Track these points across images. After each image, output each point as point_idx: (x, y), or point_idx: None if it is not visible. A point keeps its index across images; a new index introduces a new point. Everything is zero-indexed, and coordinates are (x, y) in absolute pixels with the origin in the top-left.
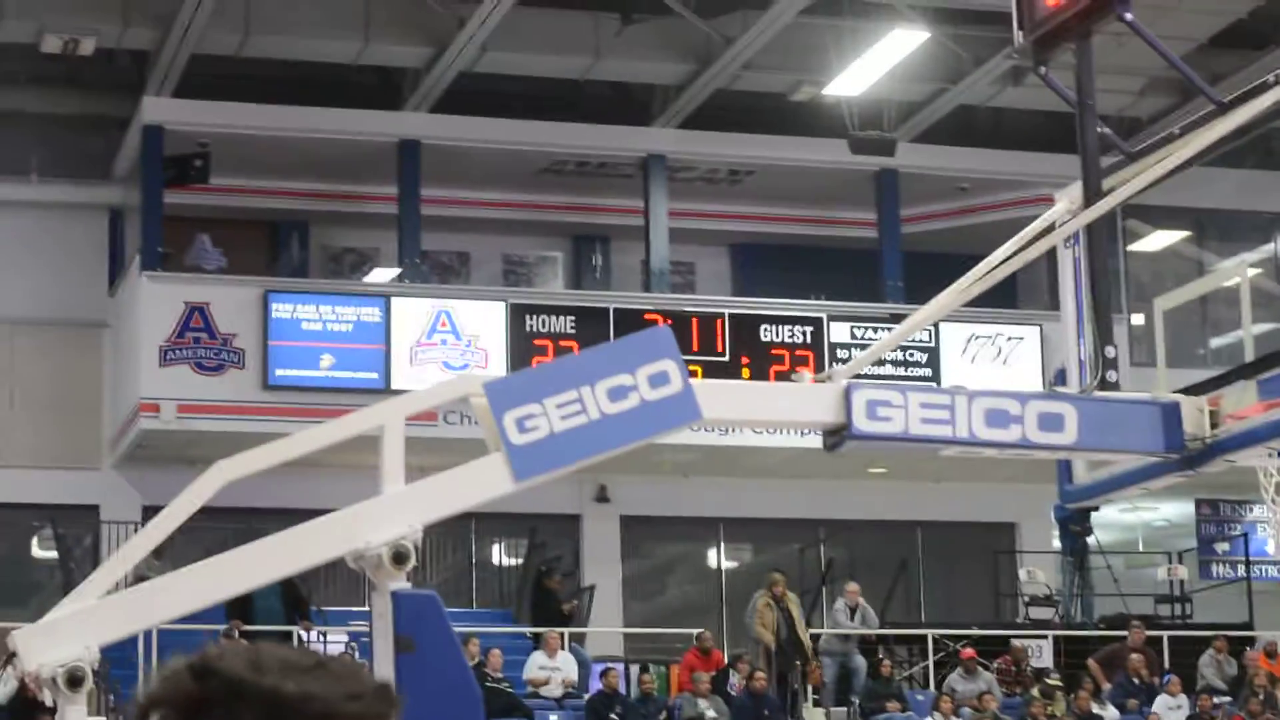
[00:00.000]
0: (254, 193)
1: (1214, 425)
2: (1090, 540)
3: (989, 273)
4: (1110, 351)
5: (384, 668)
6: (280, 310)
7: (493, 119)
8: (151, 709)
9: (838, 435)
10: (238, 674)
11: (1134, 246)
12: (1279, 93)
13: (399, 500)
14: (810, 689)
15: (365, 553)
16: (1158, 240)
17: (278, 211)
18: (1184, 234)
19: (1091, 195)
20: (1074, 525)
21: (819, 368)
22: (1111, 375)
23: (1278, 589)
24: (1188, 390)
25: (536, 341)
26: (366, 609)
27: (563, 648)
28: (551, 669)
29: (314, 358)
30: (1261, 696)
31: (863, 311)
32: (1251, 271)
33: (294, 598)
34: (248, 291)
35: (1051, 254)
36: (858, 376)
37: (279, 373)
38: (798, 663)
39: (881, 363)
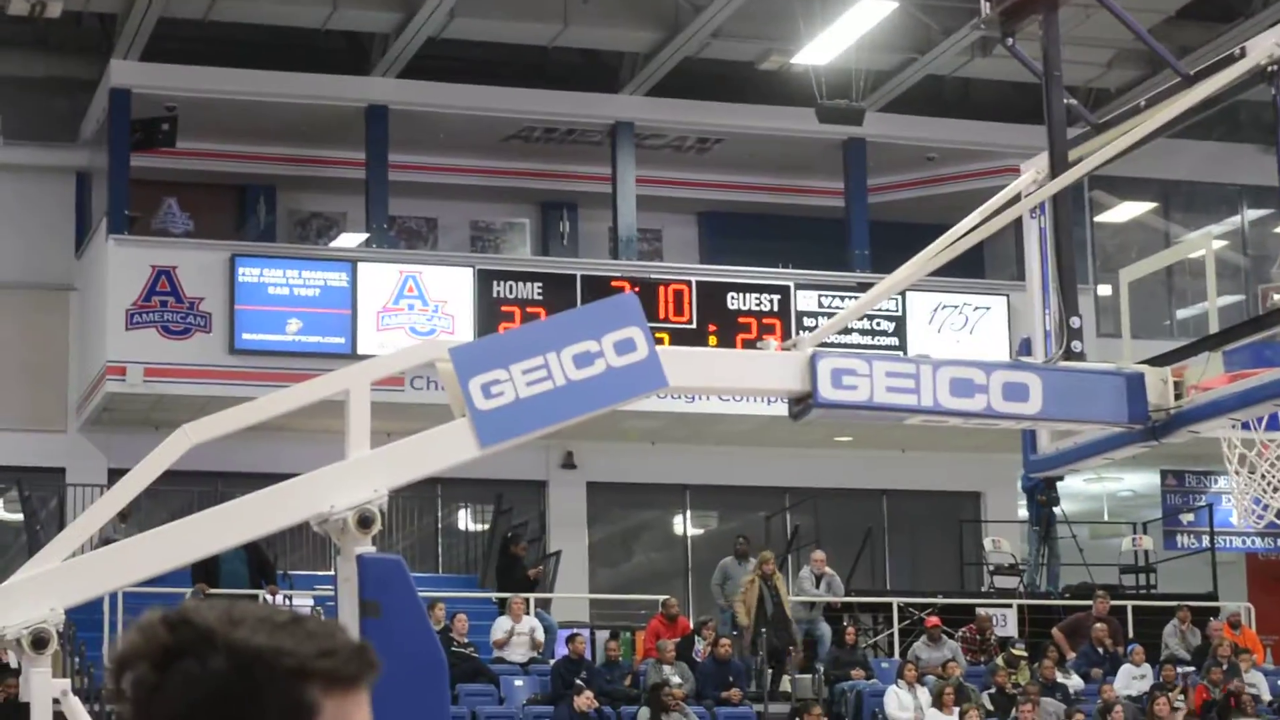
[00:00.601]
0: (221, 157)
1: (1178, 396)
2: (1056, 510)
3: (954, 242)
4: (1075, 322)
5: (350, 632)
6: (247, 274)
7: (461, 85)
8: (126, 664)
9: (803, 403)
10: (210, 625)
11: (1100, 217)
12: (1245, 65)
13: (364, 465)
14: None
15: (330, 517)
16: (1124, 211)
17: (245, 176)
18: (1150, 205)
19: (1057, 166)
20: (1040, 495)
21: (786, 336)
22: (1076, 346)
23: (1242, 560)
24: (1153, 361)
25: (504, 308)
26: (332, 573)
27: (528, 613)
28: (517, 633)
29: (281, 322)
30: (1225, 666)
31: (830, 280)
32: (1217, 243)
33: (260, 561)
34: (214, 255)
35: (1018, 224)
36: (824, 345)
37: (245, 337)
38: (790, 648)
39: (849, 331)
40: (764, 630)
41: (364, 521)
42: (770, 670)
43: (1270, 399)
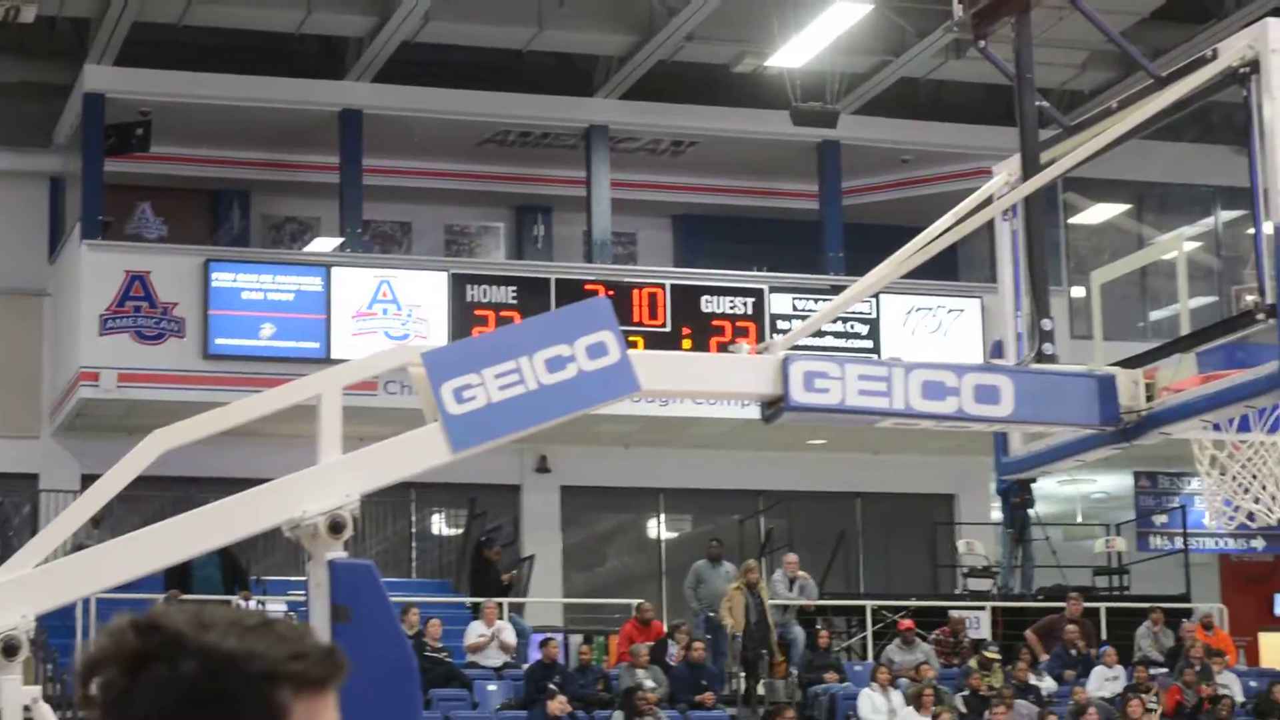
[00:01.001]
0: (195, 161)
1: (1150, 398)
2: (1030, 512)
3: (926, 245)
4: (1047, 324)
5: (321, 637)
6: (221, 279)
7: (435, 89)
8: (95, 668)
9: (775, 407)
10: (181, 629)
11: (1073, 219)
12: (1217, 66)
13: (336, 470)
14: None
15: (301, 522)
16: (1097, 213)
17: (219, 180)
18: (1124, 207)
19: (1029, 168)
20: (1015, 497)
21: (760, 339)
22: (1048, 348)
23: (1214, 561)
24: (1125, 363)
25: (478, 312)
26: (304, 579)
27: (501, 617)
28: (490, 637)
29: (254, 327)
30: (1198, 668)
31: (804, 283)
32: (1190, 245)
33: (233, 567)
34: (188, 260)
35: (991, 227)
36: (797, 348)
37: (219, 342)
38: (764, 652)
39: (822, 334)
40: (736, 637)
41: (335, 526)
42: (744, 675)
43: (1241, 400)
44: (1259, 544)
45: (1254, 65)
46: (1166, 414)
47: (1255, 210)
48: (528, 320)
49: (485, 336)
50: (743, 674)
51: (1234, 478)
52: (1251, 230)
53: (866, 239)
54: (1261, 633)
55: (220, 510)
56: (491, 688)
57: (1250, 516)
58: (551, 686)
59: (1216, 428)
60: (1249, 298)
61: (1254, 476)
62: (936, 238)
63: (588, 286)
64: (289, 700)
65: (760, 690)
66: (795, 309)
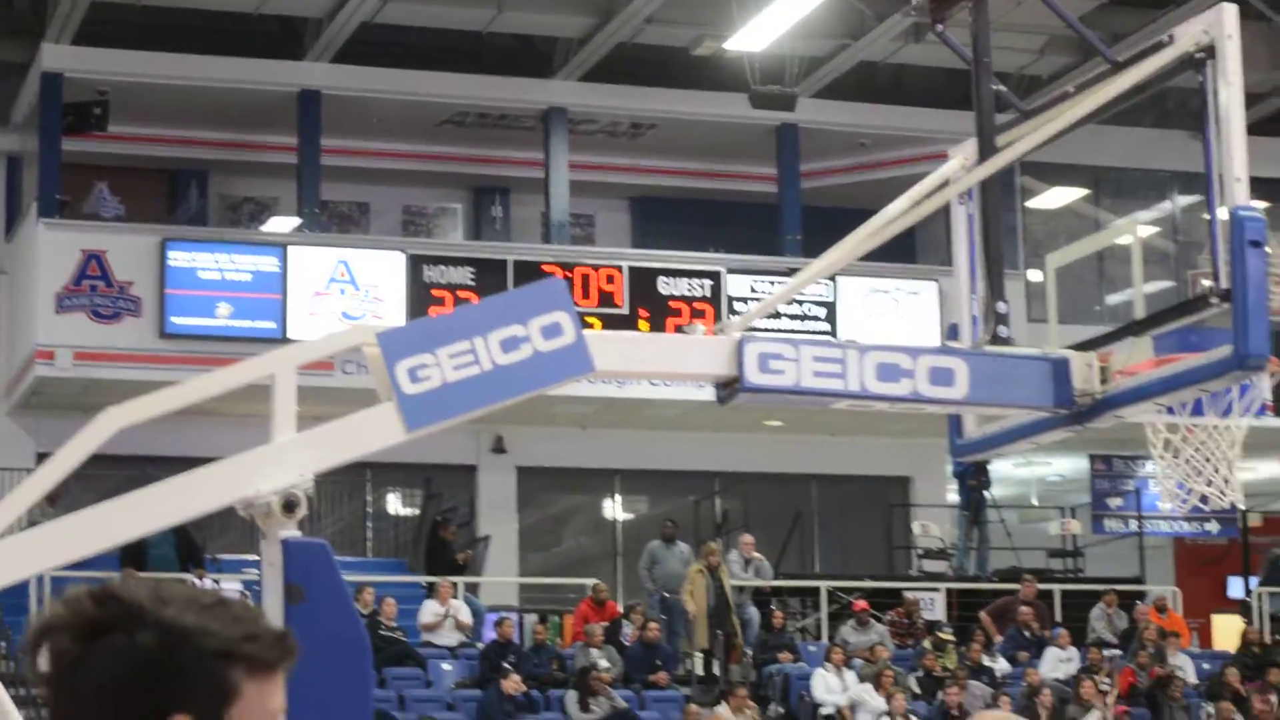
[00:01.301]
0: (153, 141)
1: (1104, 381)
2: (986, 494)
3: (882, 228)
4: (1002, 307)
5: (274, 616)
6: (178, 259)
7: (394, 70)
8: (47, 633)
9: (730, 388)
10: (139, 601)
11: (1030, 203)
12: (1173, 52)
13: (290, 448)
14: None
15: (255, 501)
16: (1054, 197)
17: (177, 160)
18: (1081, 191)
19: (986, 152)
20: (970, 479)
21: (718, 321)
22: (1003, 331)
23: (1169, 544)
24: (1080, 346)
25: (435, 292)
26: (258, 558)
27: (456, 597)
28: (445, 616)
29: (211, 306)
30: (1151, 650)
31: (761, 265)
32: (1146, 229)
33: (188, 545)
34: (145, 240)
35: (947, 210)
36: (753, 329)
37: (176, 321)
38: (723, 634)
39: (779, 316)
40: (695, 619)
41: (289, 505)
42: (705, 657)
43: (1195, 384)
44: (1213, 527)
45: (1210, 50)
46: (1120, 397)
47: (1210, 195)
48: (483, 301)
49: (441, 317)
50: (702, 656)
51: (1187, 461)
52: (1207, 215)
53: (824, 222)
54: (1214, 615)
55: (174, 488)
56: (446, 667)
57: (1203, 500)
58: (506, 666)
59: (1171, 411)
60: (1204, 282)
61: (1207, 460)
62: (892, 221)
63: (545, 268)
64: (240, 680)
65: (715, 671)
66: (752, 291)
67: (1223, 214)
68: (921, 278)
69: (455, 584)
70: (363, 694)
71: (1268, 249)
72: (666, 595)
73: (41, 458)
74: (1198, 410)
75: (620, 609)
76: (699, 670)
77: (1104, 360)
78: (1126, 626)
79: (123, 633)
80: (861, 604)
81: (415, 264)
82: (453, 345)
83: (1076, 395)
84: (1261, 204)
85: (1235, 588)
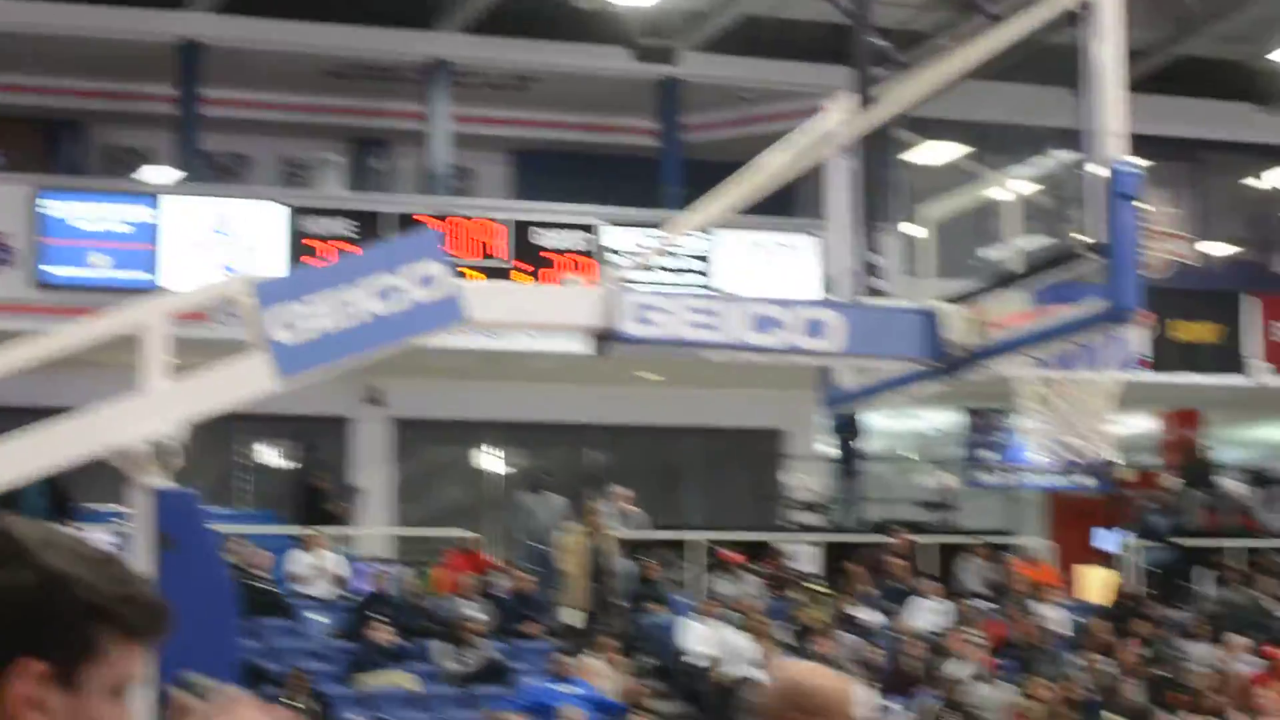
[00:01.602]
0: (31, 90)
1: (978, 334)
2: (859, 446)
3: (758, 181)
4: (878, 260)
5: (144, 565)
6: (53, 209)
7: (276, 20)
8: None
9: (606, 339)
10: (26, 540)
11: (909, 158)
12: (1053, 7)
13: (161, 398)
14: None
15: (126, 450)
16: (934, 152)
17: (55, 110)
18: (960, 146)
19: (864, 105)
20: (844, 432)
21: (597, 274)
22: (878, 283)
23: (1041, 497)
24: (955, 300)
25: (314, 244)
26: (128, 508)
27: (329, 548)
28: (316, 567)
29: (87, 257)
30: (1021, 602)
31: (641, 219)
32: (1024, 185)
33: (58, 494)
34: (19, 189)
35: (826, 163)
36: (631, 282)
37: (51, 271)
38: (600, 586)
39: (658, 268)
40: (571, 573)
41: (160, 455)
42: (583, 610)
43: (1067, 336)
44: (1084, 481)
45: (1087, 6)
46: (994, 349)
47: (1085, 151)
48: (359, 253)
49: (316, 268)
50: (575, 608)
51: (1059, 414)
52: (1084, 171)
53: (706, 176)
54: (1081, 565)
55: (46, 437)
56: (317, 617)
57: (1075, 453)
58: (378, 616)
59: (1044, 365)
60: (1078, 237)
61: (1078, 413)
62: (769, 175)
63: (424, 220)
64: (106, 639)
65: (588, 624)
66: (632, 245)
67: (1096, 170)
68: (799, 231)
69: (328, 535)
70: (230, 641)
71: (1143, 205)
72: (539, 546)
73: None
74: (1070, 364)
75: (492, 560)
76: (572, 622)
77: (979, 313)
78: (997, 579)
79: (5, 569)
80: (734, 556)
81: (295, 216)
82: (326, 295)
83: (950, 348)
84: (1145, 162)
85: (1104, 540)
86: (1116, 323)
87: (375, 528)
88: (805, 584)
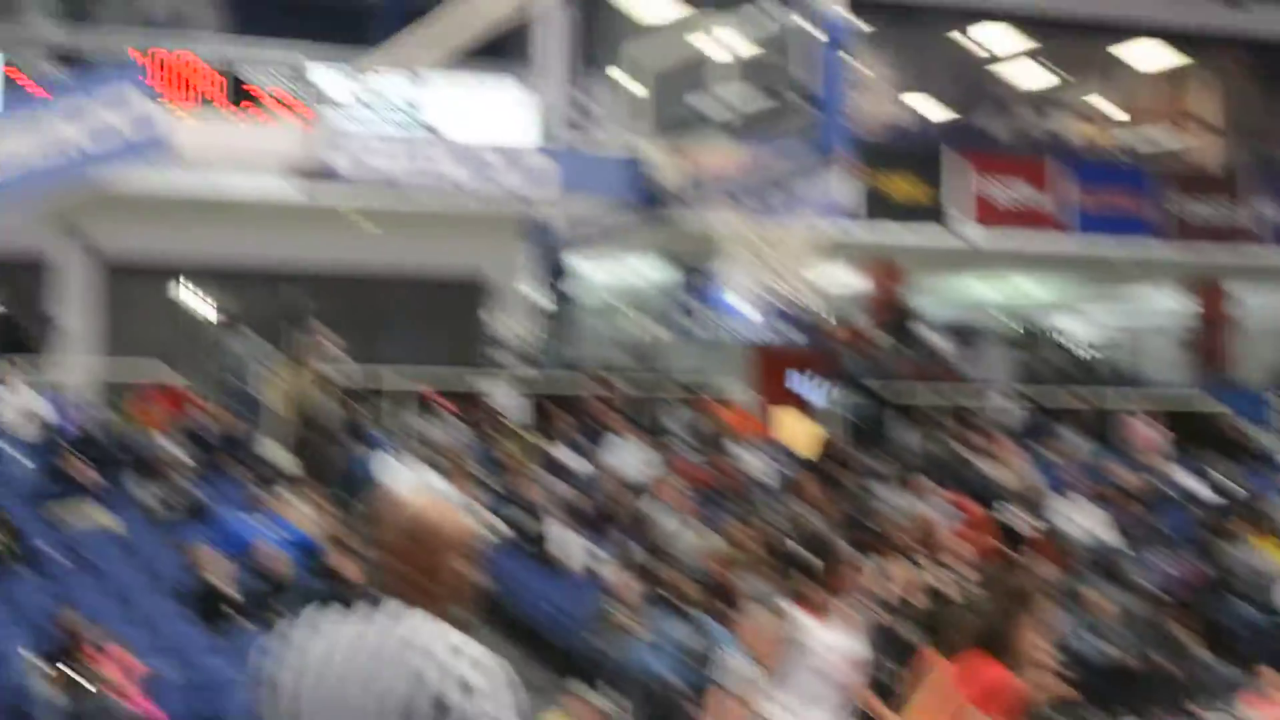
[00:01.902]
0: None
1: (685, 179)
2: (568, 292)
3: (468, 26)
4: (591, 107)
5: None
6: None
7: None
8: None
9: (313, 176)
10: None
11: (628, 8)
12: None
13: None
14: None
15: None
16: (655, 3)
17: None
18: None
19: None
20: (553, 278)
21: (305, 114)
22: (591, 130)
23: (745, 346)
24: (668, 148)
25: (22, 81)
26: None
27: (25, 384)
28: (9, 402)
29: None
30: (721, 447)
31: (352, 58)
32: (738, 39)
33: None
34: None
35: (540, 10)
36: (340, 123)
37: None
38: (309, 430)
39: (367, 109)
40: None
41: None
42: (291, 452)
43: (773, 181)
44: (791, 333)
45: None
46: (702, 194)
47: (798, 7)
48: (62, 86)
49: (19, 103)
50: (283, 448)
51: (766, 262)
52: (800, 24)
53: (420, 17)
54: (776, 407)
55: None
56: (14, 453)
57: (781, 301)
58: (75, 453)
59: (752, 213)
60: (789, 90)
61: (784, 261)
62: (478, 16)
63: (130, 53)
64: None
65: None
66: (343, 86)
67: (808, 25)
68: (506, 73)
69: (24, 371)
70: None
71: (854, 60)
72: (240, 385)
73: None
74: (776, 213)
75: (196, 399)
76: (275, 461)
77: (690, 160)
78: (702, 427)
79: None
80: (437, 398)
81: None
82: (27, 130)
83: (658, 191)
84: (858, 20)
85: (806, 389)
86: (822, 166)
87: (76, 368)
88: (510, 427)
